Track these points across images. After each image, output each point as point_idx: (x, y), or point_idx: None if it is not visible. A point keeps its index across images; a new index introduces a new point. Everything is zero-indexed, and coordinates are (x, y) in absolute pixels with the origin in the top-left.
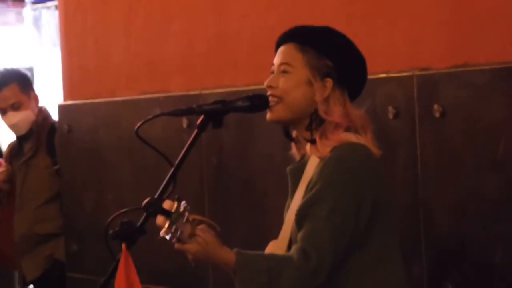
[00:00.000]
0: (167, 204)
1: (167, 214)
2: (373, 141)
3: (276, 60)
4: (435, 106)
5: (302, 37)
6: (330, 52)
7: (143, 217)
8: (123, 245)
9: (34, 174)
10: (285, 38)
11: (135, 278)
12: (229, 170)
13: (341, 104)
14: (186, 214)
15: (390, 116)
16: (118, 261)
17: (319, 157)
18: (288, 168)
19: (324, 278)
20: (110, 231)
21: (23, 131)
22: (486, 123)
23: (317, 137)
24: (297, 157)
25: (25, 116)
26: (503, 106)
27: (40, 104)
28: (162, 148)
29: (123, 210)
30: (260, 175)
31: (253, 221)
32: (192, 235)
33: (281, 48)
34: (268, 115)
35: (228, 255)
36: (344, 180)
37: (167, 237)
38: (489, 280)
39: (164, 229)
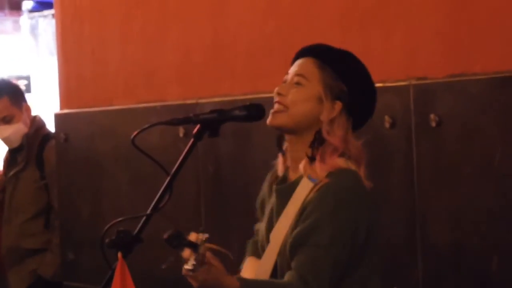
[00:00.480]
0: (192, 237)
1: (193, 246)
2: (365, 174)
3: (292, 70)
4: (432, 116)
5: (323, 54)
6: (347, 76)
7: (139, 225)
8: (119, 254)
9: (23, 187)
10: (305, 52)
11: (131, 287)
12: (226, 179)
13: (344, 130)
14: (206, 247)
15: (387, 125)
16: (114, 270)
17: (315, 178)
18: (276, 187)
19: None
20: (106, 240)
21: (15, 144)
22: (483, 133)
23: (317, 157)
24: (280, 169)
25: (16, 129)
26: (499, 116)
27: (33, 113)
28: (158, 157)
29: (120, 219)
30: (257, 183)
31: (249, 229)
32: (203, 263)
33: (300, 61)
34: (269, 120)
35: (232, 283)
36: (343, 209)
37: (191, 270)
38: None
39: (190, 263)
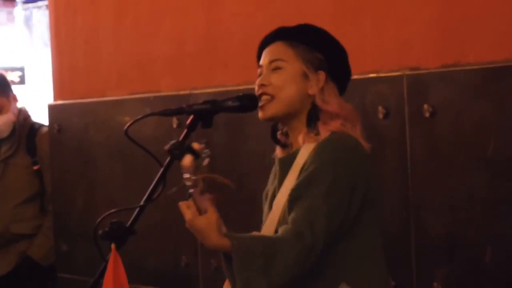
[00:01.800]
0: (195, 145)
1: (195, 154)
2: (362, 134)
3: (264, 59)
4: (425, 106)
5: (289, 34)
6: (320, 45)
7: (133, 217)
8: (112, 245)
9: (13, 173)
10: (271, 38)
11: (124, 279)
12: (219, 170)
13: (335, 96)
14: (207, 161)
15: (380, 116)
16: (107, 261)
17: (316, 141)
18: (279, 157)
19: (317, 257)
20: (100, 231)
21: (5, 134)
22: (476, 123)
23: (320, 125)
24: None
25: (6, 119)
26: (492, 106)
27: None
28: (152, 148)
29: (113, 210)
30: (251, 174)
31: (244, 220)
32: (203, 192)
33: (269, 48)
34: (260, 114)
35: (221, 240)
36: (342, 161)
37: (188, 183)
38: (479, 280)
39: (188, 172)
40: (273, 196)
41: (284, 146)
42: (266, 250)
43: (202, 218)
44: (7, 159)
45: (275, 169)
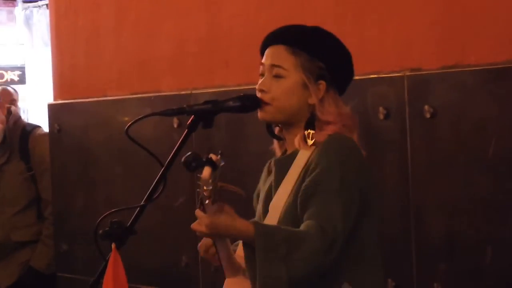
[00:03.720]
0: (213, 157)
1: (213, 166)
2: (359, 141)
3: (267, 60)
4: (426, 107)
5: (292, 39)
6: (322, 54)
7: (133, 217)
8: (113, 245)
9: (8, 180)
10: (274, 39)
11: (124, 278)
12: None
13: (335, 105)
14: (218, 171)
15: (381, 116)
16: (107, 261)
17: (314, 144)
18: (275, 159)
19: (337, 253)
20: (100, 231)
21: None
22: (477, 124)
23: (316, 131)
24: (278, 152)
25: None
26: (493, 107)
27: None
28: (152, 148)
29: (113, 210)
30: (251, 174)
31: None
32: (216, 200)
33: (271, 49)
34: (260, 115)
35: (246, 225)
36: (347, 159)
37: (206, 194)
38: (479, 281)
39: (206, 184)
40: (267, 197)
41: (280, 139)
42: (290, 238)
43: (220, 214)
44: (1, 166)
45: (269, 168)
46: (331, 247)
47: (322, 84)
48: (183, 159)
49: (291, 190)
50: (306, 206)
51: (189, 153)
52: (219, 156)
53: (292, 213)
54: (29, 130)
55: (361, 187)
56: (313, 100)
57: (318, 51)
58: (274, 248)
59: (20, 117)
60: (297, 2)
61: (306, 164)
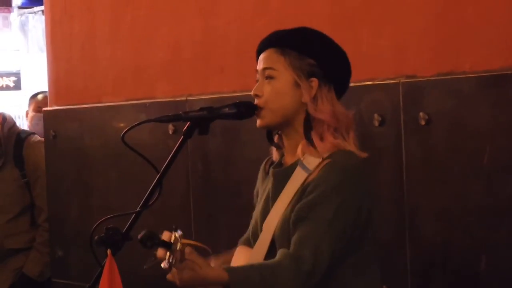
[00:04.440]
0: (166, 236)
1: (167, 246)
2: (355, 141)
3: (259, 65)
4: (421, 114)
5: (280, 40)
6: (311, 50)
7: (129, 223)
8: (108, 251)
9: (2, 187)
10: (264, 45)
11: (119, 285)
12: (215, 177)
13: (329, 102)
14: (179, 242)
15: (376, 123)
16: (103, 267)
17: (317, 157)
18: (273, 170)
19: (318, 280)
20: (96, 237)
21: None
22: (472, 131)
23: (315, 138)
24: (275, 156)
25: None
26: (488, 114)
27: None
28: (148, 154)
29: (109, 216)
30: (246, 181)
31: (239, 227)
32: (182, 259)
33: (263, 55)
34: (258, 123)
35: (219, 273)
36: (349, 184)
37: (168, 268)
38: (473, 287)
39: (165, 261)
40: (264, 208)
41: (280, 147)
42: (264, 279)
43: (189, 269)
44: None
45: (265, 169)
46: (308, 279)
47: (314, 81)
48: (139, 236)
49: (286, 207)
50: (296, 228)
51: (144, 232)
52: (173, 232)
53: (286, 229)
54: (23, 136)
55: (362, 206)
56: (305, 98)
57: (306, 47)
58: None
59: (14, 123)
60: (292, 9)
61: (304, 181)
